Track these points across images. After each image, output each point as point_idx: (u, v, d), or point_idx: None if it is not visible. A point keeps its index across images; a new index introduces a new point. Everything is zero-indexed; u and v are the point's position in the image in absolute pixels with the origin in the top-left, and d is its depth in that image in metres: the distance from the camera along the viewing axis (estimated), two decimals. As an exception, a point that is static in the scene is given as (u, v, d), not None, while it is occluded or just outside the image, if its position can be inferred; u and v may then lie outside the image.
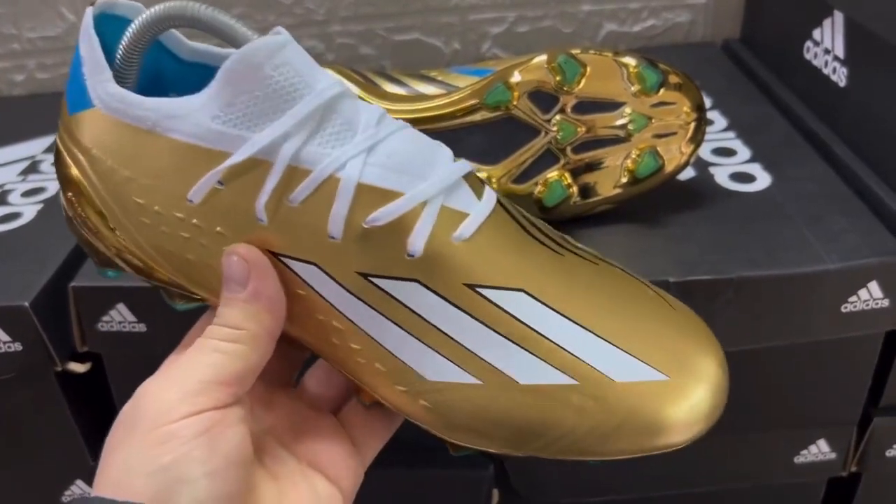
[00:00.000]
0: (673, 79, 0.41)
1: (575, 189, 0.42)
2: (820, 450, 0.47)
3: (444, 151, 0.29)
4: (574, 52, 0.40)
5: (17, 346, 0.41)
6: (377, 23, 0.68)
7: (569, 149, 0.41)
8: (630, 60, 0.41)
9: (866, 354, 0.44)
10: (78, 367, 0.43)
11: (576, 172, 0.42)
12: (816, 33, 0.53)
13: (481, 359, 0.27)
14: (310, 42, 0.68)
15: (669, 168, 0.42)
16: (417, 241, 0.27)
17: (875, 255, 0.39)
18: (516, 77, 0.40)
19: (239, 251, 0.27)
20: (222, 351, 0.27)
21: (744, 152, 0.50)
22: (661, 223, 0.43)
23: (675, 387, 0.28)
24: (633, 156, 0.42)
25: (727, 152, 0.50)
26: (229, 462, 0.25)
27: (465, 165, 0.29)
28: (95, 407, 0.47)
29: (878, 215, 0.42)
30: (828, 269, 0.39)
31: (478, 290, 0.27)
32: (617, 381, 0.27)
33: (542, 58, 0.40)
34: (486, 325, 0.27)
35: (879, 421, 0.46)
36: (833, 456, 0.48)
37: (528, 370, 0.27)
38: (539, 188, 0.42)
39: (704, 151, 0.49)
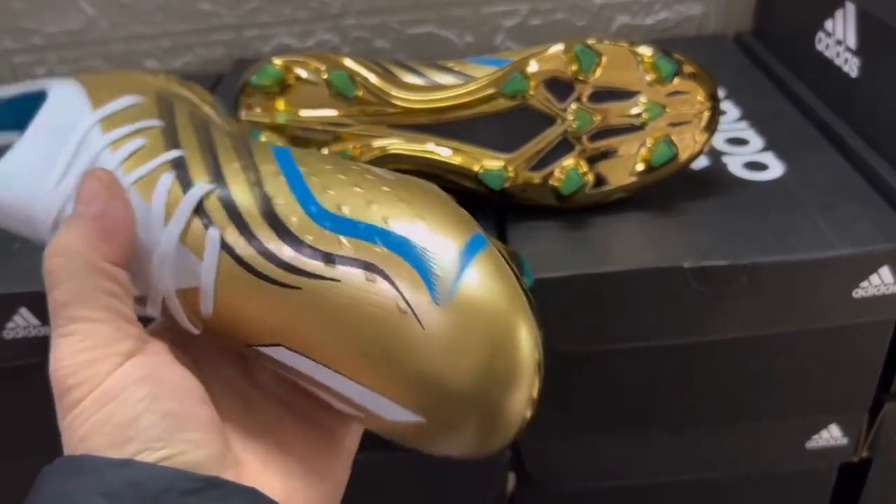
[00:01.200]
0: (687, 68, 0.42)
1: (590, 177, 0.43)
2: (832, 435, 0.48)
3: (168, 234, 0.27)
4: (590, 41, 0.41)
5: (47, 330, 0.42)
6: (391, 16, 0.69)
7: (584, 137, 0.42)
8: (645, 50, 0.41)
9: (878, 340, 0.44)
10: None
11: (591, 160, 0.43)
12: (828, 24, 0.53)
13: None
14: (325, 35, 0.69)
15: (684, 156, 0.43)
16: (186, 325, 0.27)
17: (886, 241, 0.40)
18: (533, 66, 0.41)
19: (96, 172, 0.27)
20: (54, 284, 0.25)
21: (757, 142, 0.50)
22: (675, 211, 0.44)
23: (430, 430, 0.26)
24: (648, 144, 0.42)
25: (740, 142, 0.50)
26: (173, 389, 0.25)
27: (172, 234, 0.27)
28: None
29: (890, 203, 0.43)
30: (839, 254, 0.39)
31: (255, 349, 0.27)
32: (388, 419, 0.26)
33: (559, 47, 0.41)
34: (287, 374, 0.28)
35: (890, 406, 0.47)
36: (845, 441, 0.48)
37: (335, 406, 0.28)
38: (555, 176, 0.42)
39: (718, 141, 0.50)
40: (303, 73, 0.44)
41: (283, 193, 0.27)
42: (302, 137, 0.44)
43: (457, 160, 0.43)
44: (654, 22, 0.70)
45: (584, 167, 0.43)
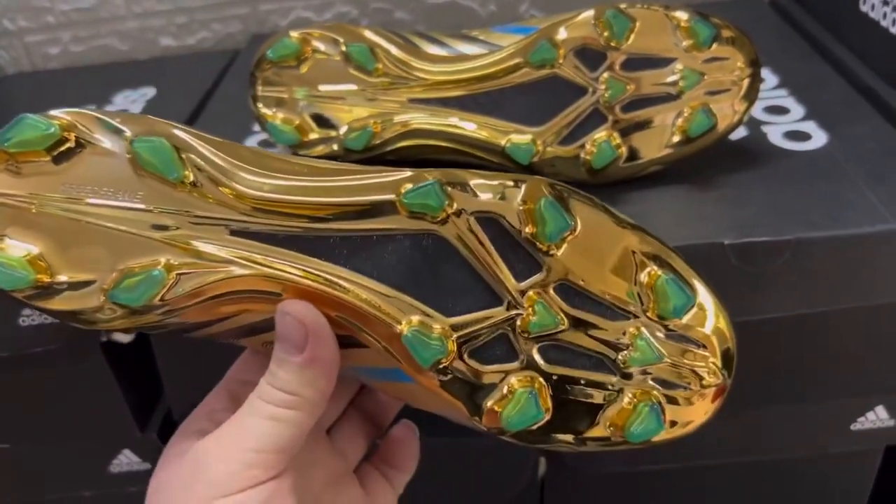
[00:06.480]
0: (726, 33, 0.39)
1: (624, 150, 0.41)
2: (878, 416, 0.46)
3: None
4: (622, 6, 0.39)
5: (63, 317, 0.41)
6: (411, -14, 0.67)
7: (617, 108, 0.40)
8: (681, 14, 0.39)
9: (929, 318, 0.42)
10: (123, 338, 0.43)
11: (624, 132, 0.40)
12: (874, -16, 0.50)
13: None
14: (344, 7, 0.67)
15: (722, 126, 0.40)
16: None
17: (942, 213, 0.37)
18: (562, 34, 0.39)
19: (294, 310, 0.26)
20: (278, 419, 0.26)
21: (797, 110, 0.48)
22: (713, 184, 0.41)
23: None
24: (685, 114, 0.40)
25: (780, 110, 0.48)
26: None
27: None
28: (141, 377, 0.47)
29: (944, 173, 0.40)
30: (892, 228, 0.37)
31: None
32: None
33: (589, 13, 0.39)
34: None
35: (940, 387, 0.45)
36: (892, 423, 0.46)
37: None
38: (587, 149, 0.40)
39: (756, 110, 0.47)
40: (321, 46, 0.42)
41: None
42: (320, 115, 0.43)
43: (482, 134, 0.41)
44: (684, -14, 0.67)
45: (616, 139, 0.40)
